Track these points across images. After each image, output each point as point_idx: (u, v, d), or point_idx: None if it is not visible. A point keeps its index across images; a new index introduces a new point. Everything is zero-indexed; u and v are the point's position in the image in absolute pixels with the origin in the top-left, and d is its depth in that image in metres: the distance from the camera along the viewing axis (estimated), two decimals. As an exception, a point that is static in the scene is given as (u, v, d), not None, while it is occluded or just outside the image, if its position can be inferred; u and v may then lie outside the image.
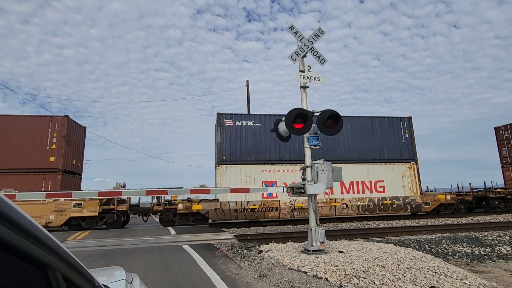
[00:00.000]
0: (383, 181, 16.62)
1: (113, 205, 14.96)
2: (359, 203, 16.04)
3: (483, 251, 7.85)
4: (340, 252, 6.64)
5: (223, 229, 13.52)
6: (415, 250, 7.11)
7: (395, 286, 4.52)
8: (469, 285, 4.54)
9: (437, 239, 9.06)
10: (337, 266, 5.49)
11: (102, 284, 1.29)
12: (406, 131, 17.53)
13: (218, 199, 14.91)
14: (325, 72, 9.85)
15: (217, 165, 15.12)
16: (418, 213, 17.26)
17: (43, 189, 14.17)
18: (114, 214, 14.85)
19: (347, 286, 4.59)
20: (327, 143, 15.93)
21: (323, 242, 6.72)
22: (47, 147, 14.94)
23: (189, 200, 15.05)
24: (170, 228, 13.58)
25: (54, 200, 13.71)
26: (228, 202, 14.82)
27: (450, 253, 7.72)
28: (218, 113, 15.82)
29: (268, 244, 8.62)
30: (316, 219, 6.87)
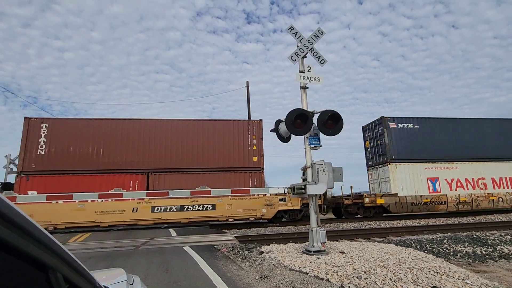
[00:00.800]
0: None
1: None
2: None
3: (484, 250, 7.83)
4: (341, 252, 6.63)
5: (224, 230, 13.52)
6: (416, 250, 7.10)
7: (396, 286, 4.51)
8: (471, 285, 4.53)
9: (438, 239, 9.05)
10: (339, 266, 5.48)
11: (103, 286, 1.28)
12: None
13: (397, 193, 16.79)
14: (325, 73, 9.86)
15: (388, 163, 17.48)
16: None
17: (250, 186, 15.80)
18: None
19: (349, 286, 4.58)
20: (476, 142, 18.62)
21: (324, 243, 6.71)
22: (249, 148, 16.63)
23: (373, 195, 17.08)
24: (171, 230, 13.58)
25: (264, 195, 15.27)
26: (405, 196, 16.84)
27: (451, 253, 7.70)
28: (382, 117, 17.94)
29: (269, 245, 8.61)
30: (317, 219, 6.86)
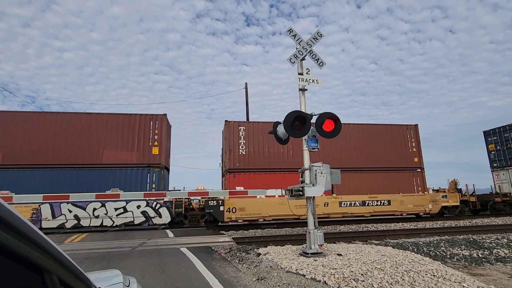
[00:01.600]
0: None
1: (465, 196, 18.26)
2: None
3: (481, 253, 7.85)
4: (338, 255, 6.62)
5: (221, 231, 13.47)
6: (413, 253, 7.10)
7: (393, 289, 4.51)
8: (467, 287, 4.54)
9: (435, 242, 9.07)
10: (336, 269, 5.48)
11: (99, 287, 1.28)
12: None
13: None
14: (323, 75, 9.93)
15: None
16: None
17: (414, 184, 17.73)
18: (465, 205, 17.98)
19: (346, 289, 4.58)
20: None
21: (321, 245, 6.71)
22: (410, 150, 18.47)
23: None
24: (168, 231, 13.53)
25: (430, 193, 17.29)
26: None
27: (448, 256, 7.72)
28: (511, 125, 20.92)
29: (266, 246, 8.60)
30: (314, 221, 6.85)
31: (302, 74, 7.52)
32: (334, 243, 8.97)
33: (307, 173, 7.00)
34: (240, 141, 16.24)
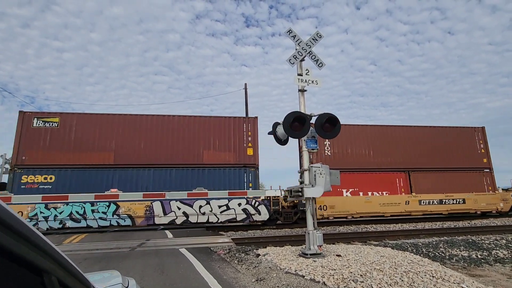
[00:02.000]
0: None
1: None
2: None
3: (480, 254, 7.86)
4: (337, 255, 6.63)
5: (221, 232, 13.47)
6: (412, 254, 7.11)
7: (392, 290, 4.52)
8: (466, 289, 4.54)
9: (434, 242, 9.08)
10: (335, 269, 5.48)
11: (98, 288, 1.27)
12: None
13: None
14: (323, 76, 9.93)
15: None
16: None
17: (485, 184, 18.27)
18: None
19: (345, 290, 4.58)
20: None
21: (320, 246, 6.71)
22: (478, 151, 19.01)
23: None
24: (167, 231, 13.51)
25: (500, 192, 18.18)
26: None
27: (447, 257, 7.73)
28: None
29: (265, 247, 8.60)
30: (314, 222, 6.86)
31: (302, 75, 7.52)
32: (333, 244, 8.98)
33: (306, 174, 7.00)
34: (325, 142, 16.86)
